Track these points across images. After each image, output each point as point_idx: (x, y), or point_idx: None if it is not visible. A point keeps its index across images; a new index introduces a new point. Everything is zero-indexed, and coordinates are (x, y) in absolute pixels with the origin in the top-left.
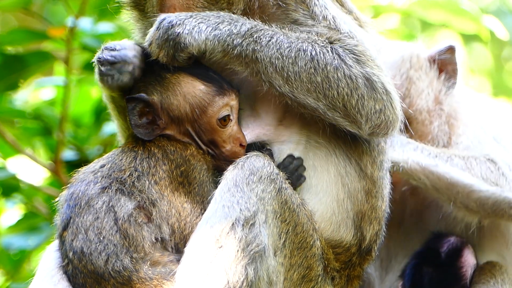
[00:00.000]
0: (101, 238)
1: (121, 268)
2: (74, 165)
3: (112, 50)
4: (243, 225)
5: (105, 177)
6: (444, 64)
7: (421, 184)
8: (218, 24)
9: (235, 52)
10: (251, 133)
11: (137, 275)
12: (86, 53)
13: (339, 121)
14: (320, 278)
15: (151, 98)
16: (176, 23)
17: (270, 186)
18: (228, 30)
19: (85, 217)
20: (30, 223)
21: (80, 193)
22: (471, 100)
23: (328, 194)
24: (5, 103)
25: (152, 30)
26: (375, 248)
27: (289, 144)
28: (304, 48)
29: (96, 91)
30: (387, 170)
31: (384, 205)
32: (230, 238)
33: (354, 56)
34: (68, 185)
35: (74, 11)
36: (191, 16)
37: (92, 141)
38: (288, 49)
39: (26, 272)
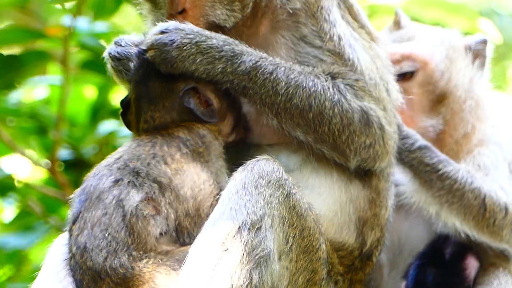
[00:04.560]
0: (106, 235)
1: (117, 265)
2: (69, 164)
3: (119, 45)
4: (249, 229)
5: (121, 169)
6: (477, 55)
7: None
8: (215, 60)
9: (223, 86)
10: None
11: (131, 273)
12: (83, 52)
13: (326, 153)
14: (324, 282)
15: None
16: (175, 45)
17: (278, 191)
18: (222, 68)
19: (93, 212)
20: (24, 222)
21: (92, 187)
22: (496, 98)
23: (331, 196)
24: (0, 102)
25: (153, 32)
26: (376, 254)
27: (289, 147)
28: (304, 85)
29: (92, 91)
30: (393, 183)
31: (387, 213)
32: (236, 241)
33: (353, 91)
34: (83, 180)
35: (72, 10)
36: (196, 42)
37: (88, 140)
38: (285, 87)
39: (25, 270)
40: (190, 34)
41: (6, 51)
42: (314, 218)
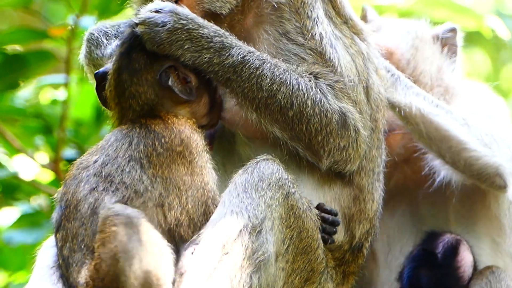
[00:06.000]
0: (82, 246)
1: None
2: None
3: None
4: (250, 232)
5: (96, 175)
6: (447, 43)
7: (416, 130)
8: (203, 49)
9: (207, 75)
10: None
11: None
12: None
13: (300, 151)
14: (322, 278)
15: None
16: (166, 28)
17: (278, 192)
18: (209, 59)
19: (73, 222)
20: (29, 221)
21: (70, 195)
22: (469, 86)
23: (314, 197)
24: (6, 102)
25: (148, 8)
26: (366, 246)
27: (267, 144)
28: (288, 83)
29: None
30: (379, 174)
31: (374, 205)
32: (237, 245)
33: (334, 91)
34: (64, 180)
35: (75, 10)
36: (187, 29)
37: (93, 140)
38: (270, 83)
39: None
40: (183, 20)
41: (10, 51)
42: (314, 219)
